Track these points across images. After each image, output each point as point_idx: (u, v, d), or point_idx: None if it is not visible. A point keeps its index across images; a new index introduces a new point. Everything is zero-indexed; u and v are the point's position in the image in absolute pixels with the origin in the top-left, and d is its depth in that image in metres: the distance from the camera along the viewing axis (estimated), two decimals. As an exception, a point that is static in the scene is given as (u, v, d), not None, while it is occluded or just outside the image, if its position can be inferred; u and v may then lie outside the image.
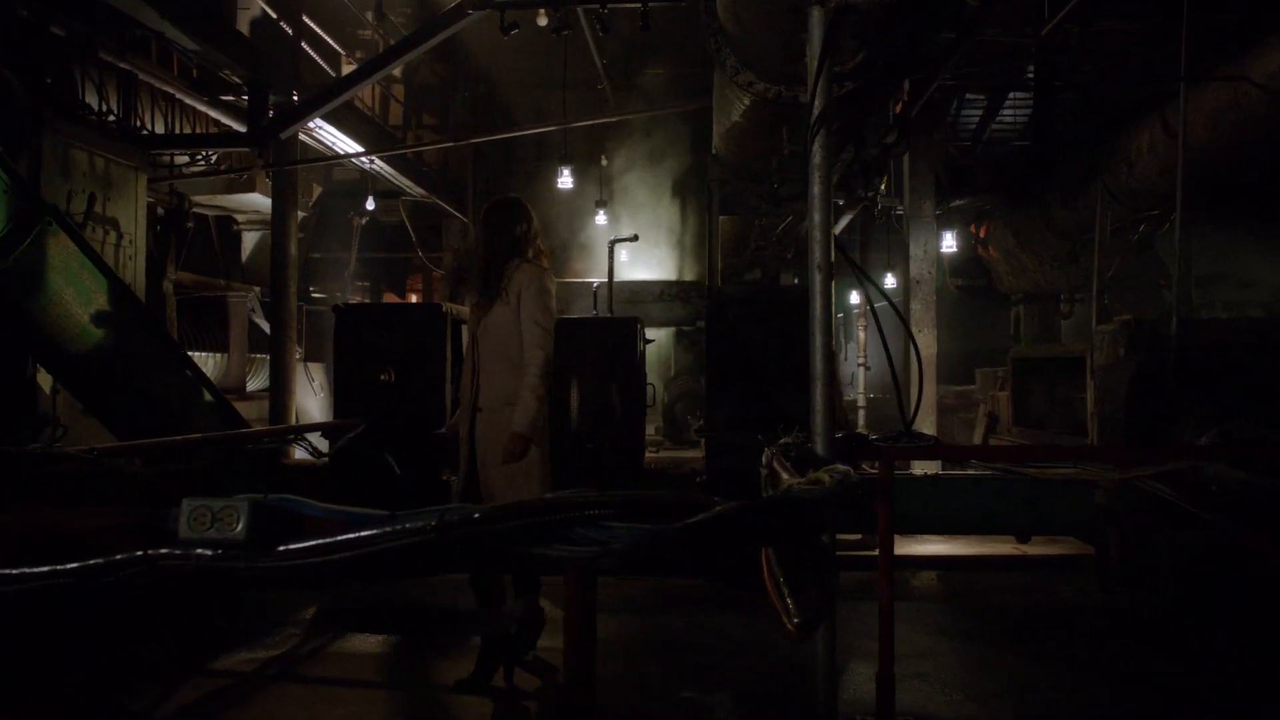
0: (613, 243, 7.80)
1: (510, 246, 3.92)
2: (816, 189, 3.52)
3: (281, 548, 1.69)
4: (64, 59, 6.91)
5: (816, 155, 3.45)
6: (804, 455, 3.51)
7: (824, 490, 1.81)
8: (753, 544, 1.82)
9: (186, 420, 5.86)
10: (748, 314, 6.62)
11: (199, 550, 1.69)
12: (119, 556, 1.71)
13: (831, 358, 7.51)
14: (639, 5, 6.19)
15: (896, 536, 4.00)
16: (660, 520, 1.70)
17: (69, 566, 1.70)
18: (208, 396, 6.04)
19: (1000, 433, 10.25)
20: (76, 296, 5.16)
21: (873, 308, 4.15)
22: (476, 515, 1.66)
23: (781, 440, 3.43)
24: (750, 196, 6.66)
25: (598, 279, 12.26)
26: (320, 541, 1.67)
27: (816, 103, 3.35)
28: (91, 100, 7.33)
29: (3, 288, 4.90)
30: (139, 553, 1.71)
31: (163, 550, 1.69)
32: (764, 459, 3.15)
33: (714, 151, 6.83)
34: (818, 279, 3.59)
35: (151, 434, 5.71)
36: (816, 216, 3.57)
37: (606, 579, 6.26)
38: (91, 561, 1.71)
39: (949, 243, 10.25)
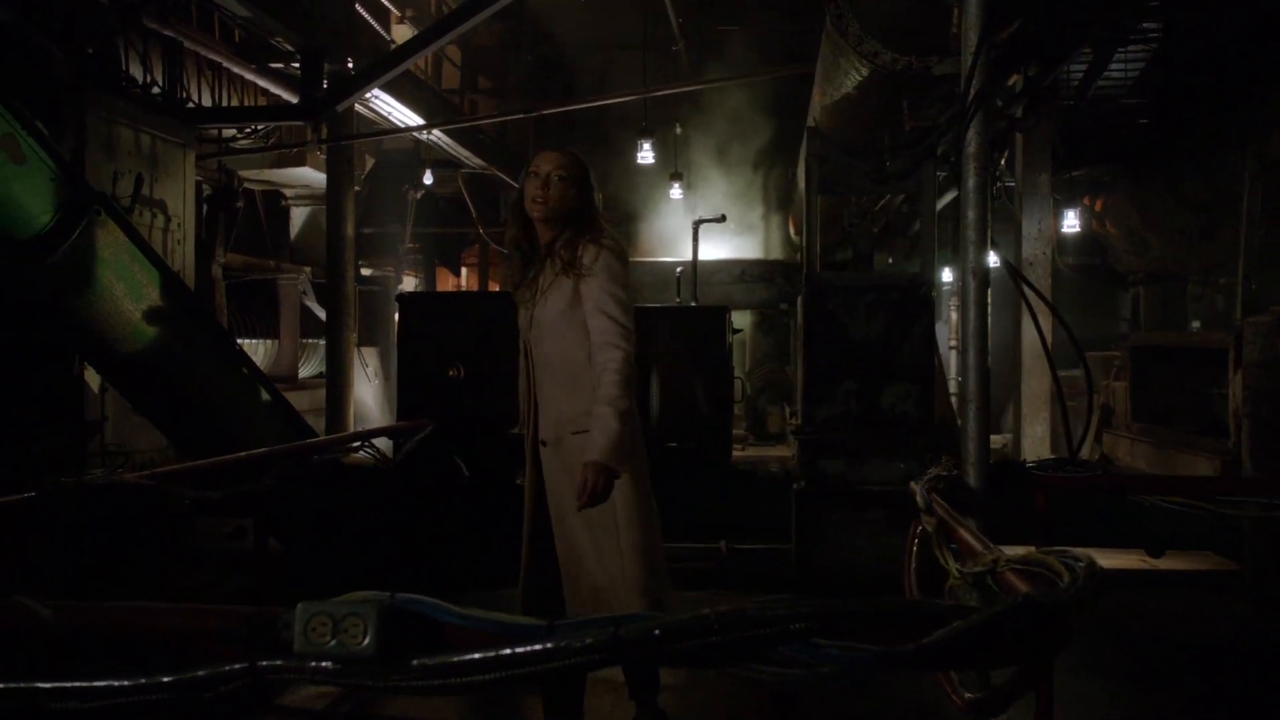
0: (697, 223, 7.51)
1: (587, 217, 3.07)
2: (972, 181, 3.22)
3: (417, 662, 1.50)
4: (107, 28, 6.79)
5: (972, 143, 3.15)
6: (959, 491, 3.25)
7: (1073, 592, 1.55)
8: (994, 664, 1.58)
9: (243, 422, 5.76)
10: (850, 303, 6.36)
11: (317, 664, 1.50)
12: (223, 669, 1.52)
13: (935, 350, 7.19)
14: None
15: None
16: (879, 635, 1.48)
17: (163, 680, 1.52)
18: (265, 395, 5.92)
19: (1116, 427, 9.83)
20: (127, 292, 5.04)
21: (1025, 301, 3.85)
22: (657, 631, 1.45)
23: (931, 472, 3.17)
24: (853, 173, 6.32)
25: (670, 258, 12.02)
26: (465, 659, 1.46)
27: (975, 81, 3.05)
28: (135, 72, 7.22)
29: (50, 284, 4.79)
30: (244, 665, 1.52)
31: (276, 662, 1.51)
32: (920, 498, 2.89)
33: (812, 124, 6.51)
34: (972, 286, 3.30)
35: (206, 438, 5.61)
36: (971, 214, 3.28)
37: (690, 591, 6.09)
38: (189, 675, 1.53)
39: (1071, 221, 9.78)
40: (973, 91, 3.09)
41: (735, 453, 8.13)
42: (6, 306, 5.07)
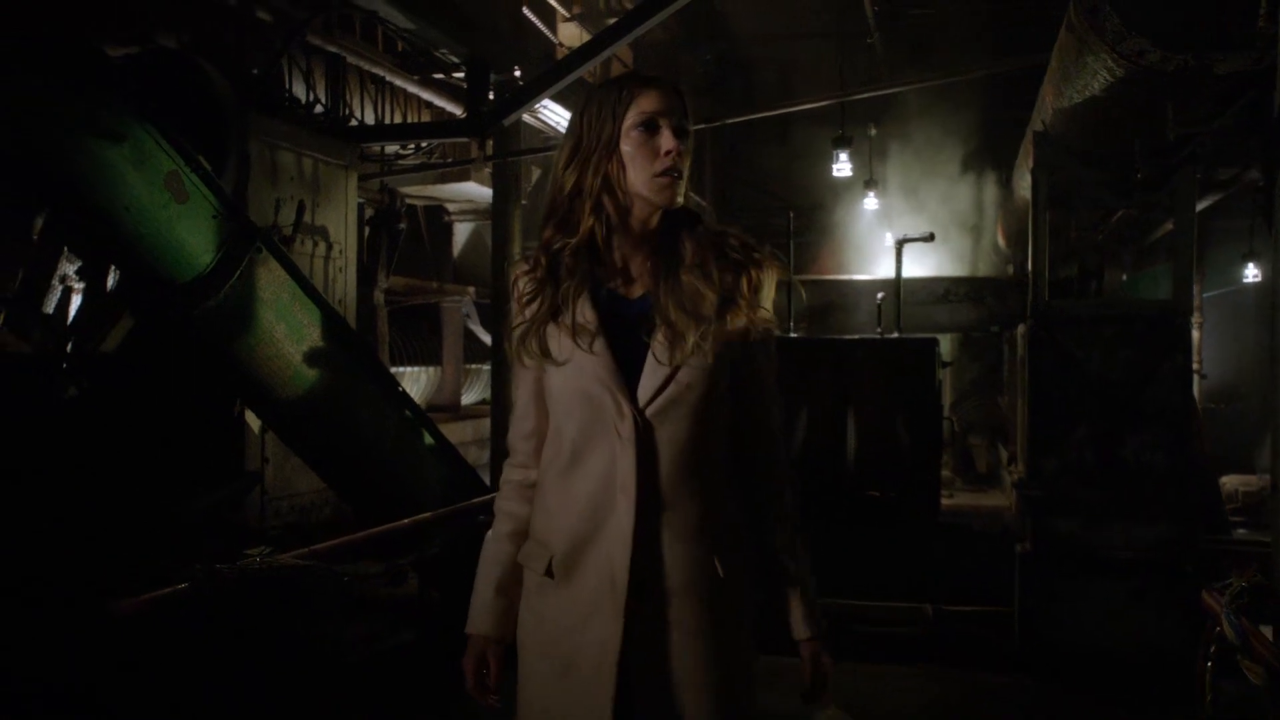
0: (900, 242, 7.09)
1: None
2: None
3: None
4: (271, 47, 6.94)
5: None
6: (1266, 604, 2.77)
7: None
8: None
9: (405, 467, 5.75)
10: (1085, 335, 5.90)
11: None
12: None
13: (1190, 390, 6.51)
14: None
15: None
16: None
17: None
18: (428, 439, 5.90)
19: None
20: (288, 334, 5.05)
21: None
22: None
23: (1233, 584, 2.71)
24: (1090, 184, 5.83)
25: (862, 275, 11.57)
26: None
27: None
28: (298, 91, 7.36)
29: (209, 327, 4.84)
30: None
31: None
32: (1229, 627, 2.44)
33: (1040, 128, 6.01)
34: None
35: (366, 484, 5.62)
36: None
37: (893, 664, 5.76)
38: None
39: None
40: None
41: (942, 500, 7.71)
42: (165, 351, 5.17)
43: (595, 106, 1.98)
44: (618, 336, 1.95)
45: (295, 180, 6.58)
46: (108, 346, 5.87)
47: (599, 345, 1.93)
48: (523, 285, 2.02)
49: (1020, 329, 6.89)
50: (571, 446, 1.96)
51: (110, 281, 5.97)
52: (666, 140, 1.92)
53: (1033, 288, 6.04)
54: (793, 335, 7.60)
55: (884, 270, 10.78)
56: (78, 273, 6.27)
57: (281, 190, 6.47)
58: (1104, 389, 5.85)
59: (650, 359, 1.92)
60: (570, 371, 1.95)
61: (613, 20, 9.38)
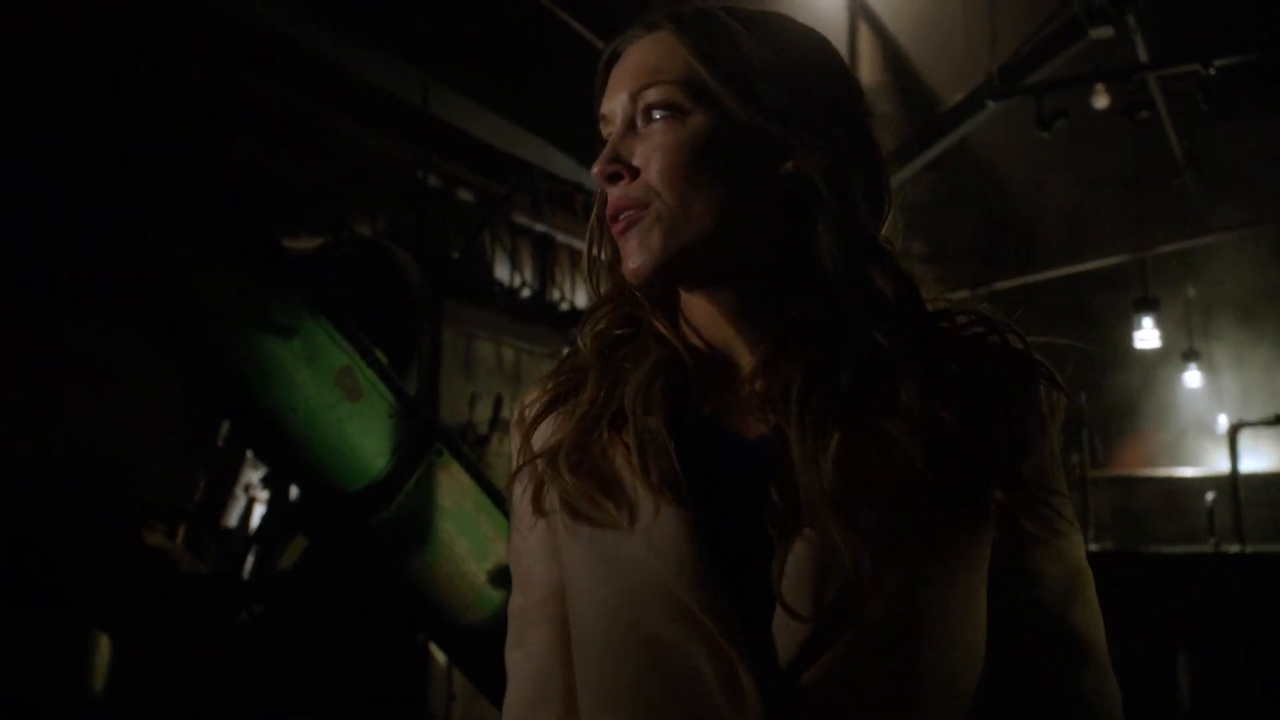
0: (1236, 427, 6.38)
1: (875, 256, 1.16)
2: None
3: None
4: (472, 228, 7.19)
5: None
6: None
7: None
8: None
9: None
10: None
11: None
12: None
13: None
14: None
15: None
16: None
17: None
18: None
19: None
20: (471, 549, 4.95)
21: None
22: None
23: None
24: None
25: (1188, 468, 10.66)
26: None
27: None
28: (501, 273, 7.56)
29: (380, 540, 4.79)
30: None
31: None
32: None
33: None
34: None
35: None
36: None
37: None
38: None
39: None
40: None
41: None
42: (341, 568, 5.19)
43: None
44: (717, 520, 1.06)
45: (493, 372, 6.67)
46: (286, 562, 6.00)
47: (669, 522, 1.04)
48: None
49: None
50: None
51: (293, 491, 6.15)
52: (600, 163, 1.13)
53: None
54: (1092, 548, 6.91)
55: (1215, 463, 9.88)
56: (262, 481, 6.52)
57: (478, 383, 6.55)
58: None
59: (780, 604, 1.01)
60: (617, 580, 1.06)
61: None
